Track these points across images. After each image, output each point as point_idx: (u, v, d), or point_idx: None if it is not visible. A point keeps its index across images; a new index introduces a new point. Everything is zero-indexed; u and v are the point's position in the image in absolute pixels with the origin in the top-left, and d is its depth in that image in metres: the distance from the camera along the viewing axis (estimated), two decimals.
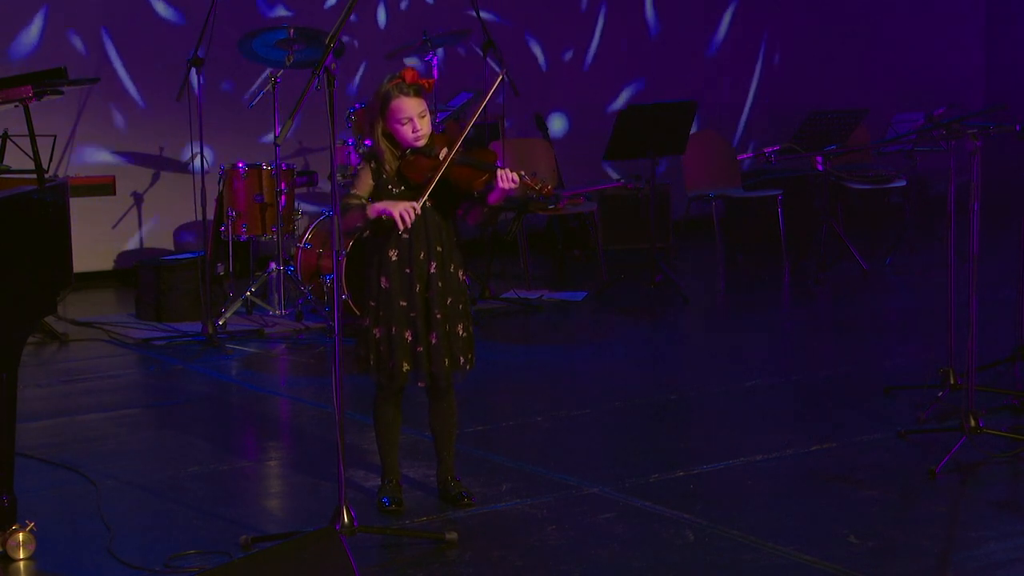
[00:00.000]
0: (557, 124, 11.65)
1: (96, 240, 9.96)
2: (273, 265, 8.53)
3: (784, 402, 6.58)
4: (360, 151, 8.27)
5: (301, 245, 8.41)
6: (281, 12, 10.46)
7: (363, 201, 4.82)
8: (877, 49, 13.13)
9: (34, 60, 9.56)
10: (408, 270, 4.85)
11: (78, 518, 5.00)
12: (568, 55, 11.78)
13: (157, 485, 5.41)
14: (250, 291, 8.48)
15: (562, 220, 10.55)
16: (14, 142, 6.14)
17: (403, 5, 11.02)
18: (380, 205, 4.77)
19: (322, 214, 8.61)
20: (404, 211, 4.71)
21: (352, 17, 8.45)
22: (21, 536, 4.57)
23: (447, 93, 9.97)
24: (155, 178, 10.21)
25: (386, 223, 4.77)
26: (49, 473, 5.54)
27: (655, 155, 9.25)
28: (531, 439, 5.98)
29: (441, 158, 4.78)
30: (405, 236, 4.81)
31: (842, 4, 12.99)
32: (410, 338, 4.85)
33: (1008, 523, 4.80)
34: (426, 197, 4.76)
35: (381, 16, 10.92)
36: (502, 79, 5.07)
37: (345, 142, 8.50)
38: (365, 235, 4.90)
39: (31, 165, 4.87)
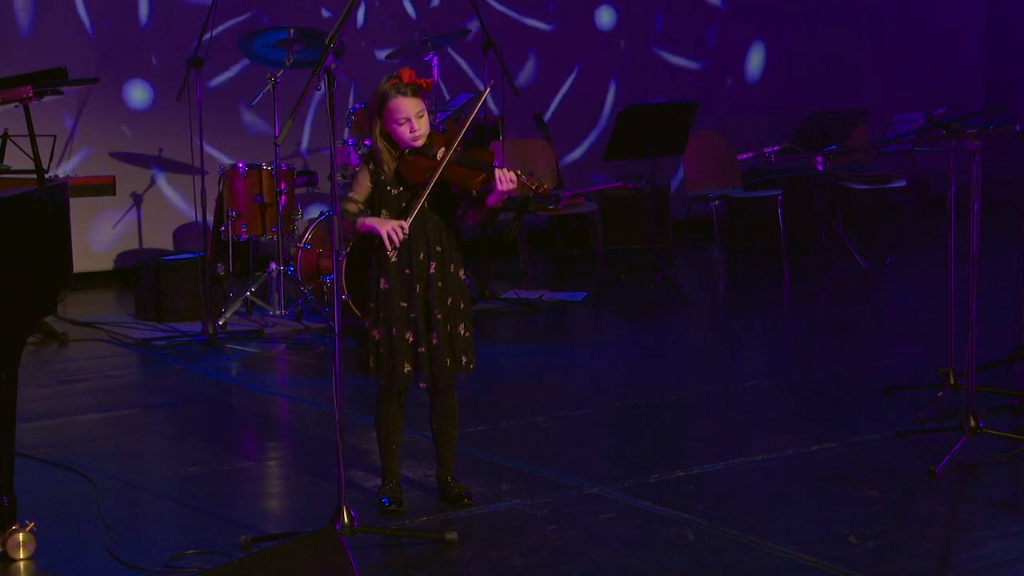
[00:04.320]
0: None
1: (96, 240, 9.97)
2: (273, 265, 8.53)
3: (784, 402, 6.58)
4: (360, 151, 8.27)
5: (301, 245, 8.41)
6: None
7: (357, 209, 4.82)
8: (877, 49, 13.13)
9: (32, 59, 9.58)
10: (408, 271, 4.85)
11: (78, 518, 5.00)
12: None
13: (157, 485, 5.41)
14: (250, 291, 8.48)
15: (562, 220, 10.55)
16: (14, 142, 6.13)
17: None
18: (369, 222, 4.76)
19: (321, 214, 8.62)
20: (392, 231, 4.71)
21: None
22: (21, 536, 4.57)
23: (447, 94, 9.98)
24: (155, 178, 10.22)
25: (375, 239, 4.78)
26: (49, 473, 5.54)
27: (655, 155, 9.24)
28: (531, 439, 5.98)
29: (439, 158, 4.78)
30: (392, 254, 4.80)
31: (842, 4, 12.99)
32: (411, 339, 4.85)
33: (1008, 523, 4.80)
34: (422, 202, 4.75)
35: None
36: (488, 91, 5.08)
37: (345, 142, 8.50)
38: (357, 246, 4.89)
39: (31, 165, 4.87)
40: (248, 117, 10.30)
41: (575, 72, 11.73)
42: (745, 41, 12.56)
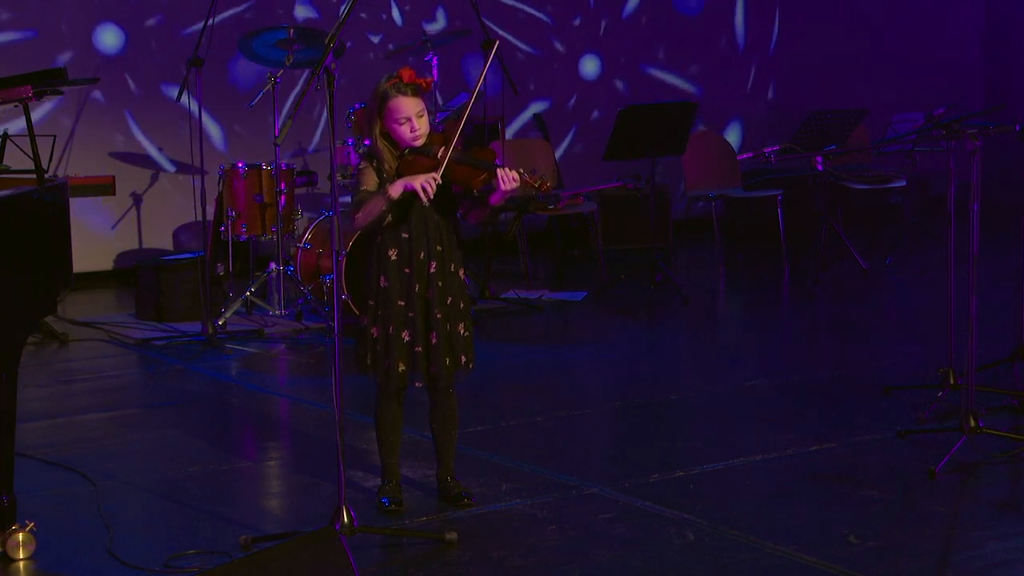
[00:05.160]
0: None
1: (96, 240, 9.96)
2: (273, 265, 8.53)
3: (784, 402, 6.58)
4: (360, 151, 8.27)
5: (301, 245, 8.41)
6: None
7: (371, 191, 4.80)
8: (877, 49, 13.13)
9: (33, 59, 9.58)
10: (407, 270, 4.85)
11: (78, 518, 4.99)
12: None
13: (157, 485, 5.40)
14: (250, 291, 8.48)
15: (562, 220, 10.55)
16: (14, 142, 6.14)
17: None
18: (399, 182, 4.73)
19: (322, 214, 8.62)
20: (425, 183, 4.69)
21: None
22: (21, 536, 4.57)
23: (447, 93, 9.97)
24: (155, 178, 10.22)
25: (407, 203, 4.75)
26: (49, 473, 5.54)
27: (655, 155, 9.24)
28: (531, 439, 5.98)
29: (439, 156, 4.77)
30: (406, 235, 4.80)
31: (843, 3, 12.99)
32: (407, 338, 4.84)
33: (1008, 523, 4.80)
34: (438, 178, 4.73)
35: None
36: (496, 47, 5.06)
37: (345, 141, 8.50)
38: (388, 222, 4.84)
39: (31, 165, 4.87)
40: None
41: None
42: (745, 39, 12.56)
